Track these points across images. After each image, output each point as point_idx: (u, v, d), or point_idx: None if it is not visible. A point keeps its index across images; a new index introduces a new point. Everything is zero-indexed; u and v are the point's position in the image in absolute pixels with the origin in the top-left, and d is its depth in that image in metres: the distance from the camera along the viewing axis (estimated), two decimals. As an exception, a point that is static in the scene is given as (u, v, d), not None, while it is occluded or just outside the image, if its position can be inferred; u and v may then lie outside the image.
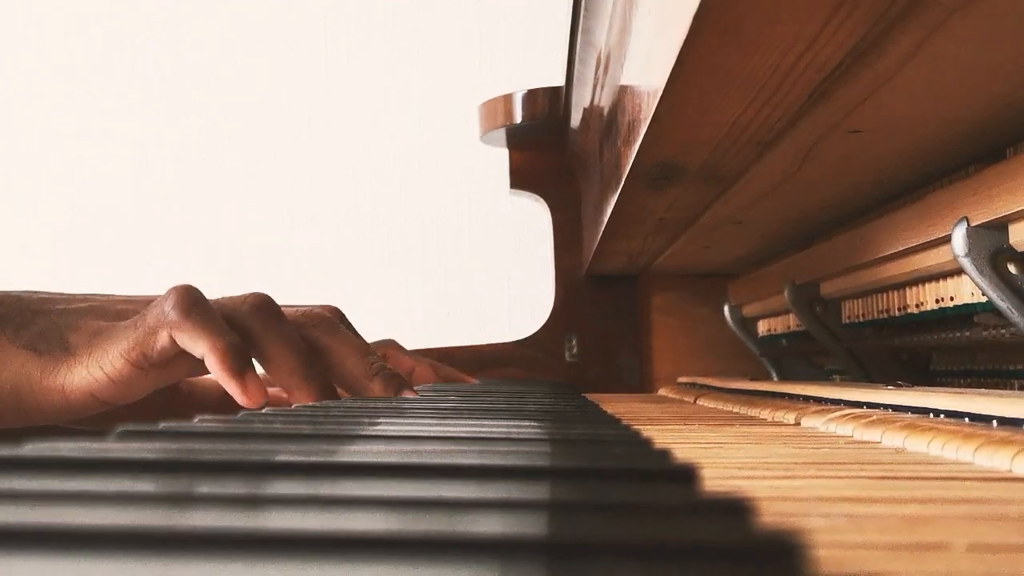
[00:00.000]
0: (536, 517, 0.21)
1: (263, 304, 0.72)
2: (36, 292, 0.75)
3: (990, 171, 0.61)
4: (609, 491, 0.25)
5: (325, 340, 0.75)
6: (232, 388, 0.68)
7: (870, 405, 0.62)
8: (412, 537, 0.19)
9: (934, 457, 0.42)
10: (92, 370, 0.69)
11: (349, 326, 0.79)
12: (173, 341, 0.68)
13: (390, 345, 1.24)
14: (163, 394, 0.77)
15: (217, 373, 0.68)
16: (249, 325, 0.71)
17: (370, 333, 1.24)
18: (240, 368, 0.67)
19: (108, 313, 0.72)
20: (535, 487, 0.25)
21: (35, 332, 0.70)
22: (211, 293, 0.74)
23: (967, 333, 0.71)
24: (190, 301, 0.69)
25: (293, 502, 0.23)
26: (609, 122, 0.94)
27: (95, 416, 0.72)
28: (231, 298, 0.73)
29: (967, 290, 0.69)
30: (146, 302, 0.73)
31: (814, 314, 0.97)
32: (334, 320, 0.77)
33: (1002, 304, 0.60)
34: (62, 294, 0.75)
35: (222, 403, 0.78)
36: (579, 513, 0.23)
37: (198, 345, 0.68)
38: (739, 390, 0.94)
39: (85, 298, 0.74)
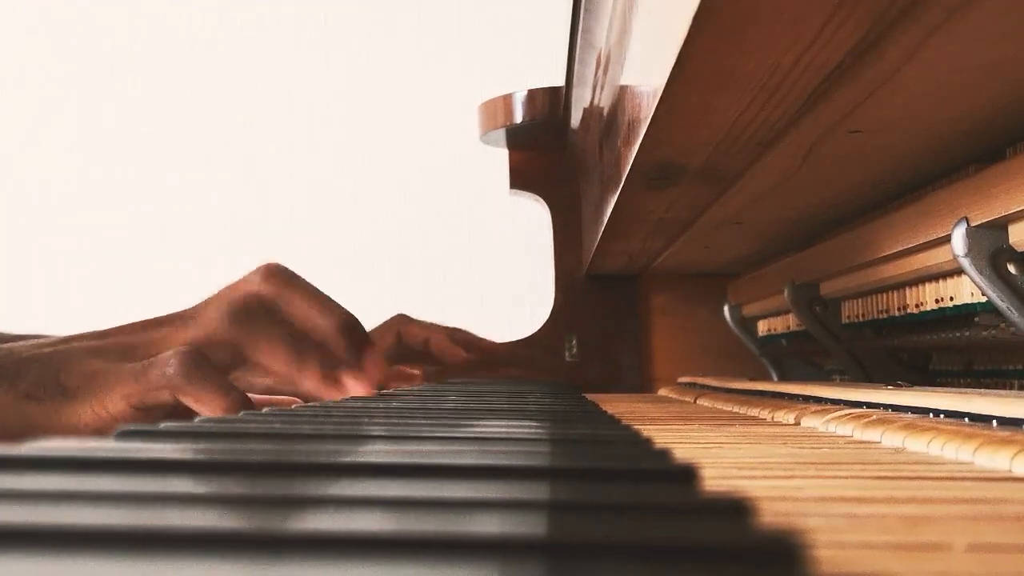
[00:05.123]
0: (536, 517, 0.21)
1: (241, 310, 0.73)
2: (22, 339, 0.76)
3: (990, 171, 0.61)
4: (609, 491, 0.25)
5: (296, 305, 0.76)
6: None
7: (870, 405, 0.62)
8: (412, 537, 0.19)
9: (934, 457, 0.42)
10: (98, 410, 0.71)
11: (296, 278, 0.79)
12: (175, 398, 0.70)
13: (400, 321, 1.24)
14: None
15: None
16: (233, 338, 0.72)
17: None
18: None
19: (96, 351, 0.73)
20: (535, 487, 0.26)
21: (30, 381, 0.71)
22: (210, 293, 0.75)
23: (967, 333, 0.71)
24: (192, 365, 0.70)
25: (293, 502, 0.23)
26: (609, 122, 0.94)
27: None
28: (207, 312, 0.73)
29: (967, 290, 0.69)
30: (132, 330, 0.75)
31: (814, 314, 0.97)
32: (285, 275, 0.77)
33: (1001, 304, 0.60)
34: (47, 337, 0.76)
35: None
36: (579, 513, 0.23)
37: (205, 409, 0.70)
38: (739, 390, 0.93)
39: (69, 338, 0.75)
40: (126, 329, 0.76)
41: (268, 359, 0.72)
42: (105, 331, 0.76)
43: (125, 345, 0.73)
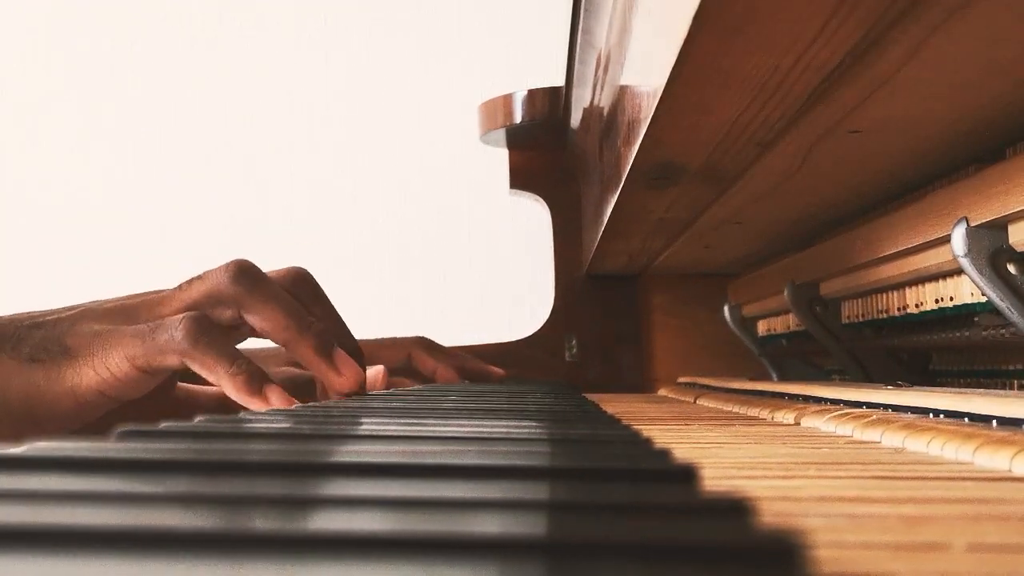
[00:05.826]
0: (536, 517, 0.21)
1: (243, 270, 0.73)
2: (25, 312, 0.76)
3: (990, 171, 0.61)
4: (609, 491, 0.25)
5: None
6: (256, 408, 0.69)
7: (870, 405, 0.62)
8: (412, 537, 0.19)
9: (934, 457, 0.42)
10: (99, 370, 0.71)
11: (321, 292, 0.80)
12: (182, 362, 0.70)
13: (416, 344, 1.24)
14: (162, 399, 0.78)
15: (236, 399, 0.69)
16: (234, 293, 0.72)
17: (372, 334, 1.24)
18: (259, 390, 0.69)
19: (100, 314, 0.73)
20: (535, 487, 0.26)
21: (34, 344, 0.72)
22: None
23: (967, 333, 0.71)
24: (199, 330, 0.70)
25: (293, 502, 0.23)
26: (609, 122, 0.94)
27: (100, 421, 0.73)
28: (212, 272, 0.74)
29: (967, 290, 0.69)
30: (136, 301, 0.75)
31: (814, 314, 0.97)
32: (313, 284, 0.78)
33: (1001, 304, 0.60)
34: (51, 309, 0.76)
35: (221, 407, 0.78)
36: (579, 513, 0.23)
37: (212, 374, 0.69)
38: (739, 390, 0.93)
39: (75, 306, 0.76)
40: (132, 296, 0.76)
41: (266, 321, 0.72)
42: (109, 299, 0.76)
43: (129, 307, 0.74)
